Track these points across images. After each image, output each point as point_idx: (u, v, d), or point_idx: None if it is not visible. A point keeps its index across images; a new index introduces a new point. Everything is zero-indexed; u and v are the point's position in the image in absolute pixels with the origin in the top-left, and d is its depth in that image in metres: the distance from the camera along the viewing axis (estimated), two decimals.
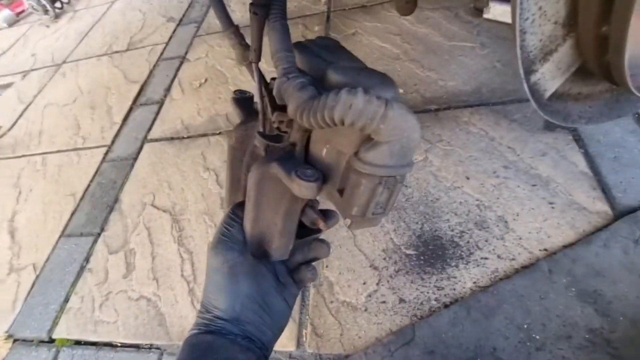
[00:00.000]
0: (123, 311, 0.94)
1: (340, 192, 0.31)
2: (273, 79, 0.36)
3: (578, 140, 0.90)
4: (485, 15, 1.24)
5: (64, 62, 1.99)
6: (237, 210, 0.40)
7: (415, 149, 0.28)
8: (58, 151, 1.46)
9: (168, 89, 1.53)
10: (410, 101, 1.11)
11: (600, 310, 0.65)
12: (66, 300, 1.00)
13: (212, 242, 0.39)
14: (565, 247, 0.75)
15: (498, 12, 1.21)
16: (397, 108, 0.26)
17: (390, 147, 0.27)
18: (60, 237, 1.16)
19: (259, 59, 0.36)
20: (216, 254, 0.38)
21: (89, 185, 1.28)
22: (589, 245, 0.72)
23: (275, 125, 0.35)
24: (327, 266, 0.87)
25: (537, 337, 0.65)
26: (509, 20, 1.13)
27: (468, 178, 0.92)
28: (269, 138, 0.35)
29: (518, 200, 0.85)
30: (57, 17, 2.45)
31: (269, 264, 0.41)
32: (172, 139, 1.32)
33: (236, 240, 0.38)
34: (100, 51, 1.95)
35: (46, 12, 2.41)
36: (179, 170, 1.21)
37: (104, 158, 1.36)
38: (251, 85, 0.39)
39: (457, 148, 0.98)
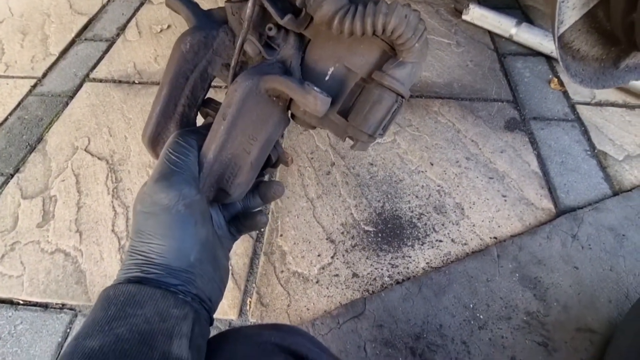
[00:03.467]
0: (32, 265, 0.79)
1: (342, 113, 0.32)
2: None
3: (533, 142, 0.96)
4: (463, 17, 1.28)
5: None
6: (186, 137, 0.32)
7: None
8: None
9: (122, 29, 1.34)
10: None
11: (538, 295, 0.69)
12: None
13: (158, 174, 0.30)
14: (513, 236, 0.78)
15: (476, 16, 1.25)
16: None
17: (412, 68, 0.30)
18: None
19: None
20: (169, 187, 0.28)
21: (6, 119, 1.07)
22: (534, 235, 0.76)
23: (271, 34, 0.31)
24: (281, 235, 0.82)
25: (481, 316, 0.67)
26: (485, 24, 1.16)
27: (432, 164, 0.93)
28: (264, 46, 0.32)
29: (475, 190, 0.87)
30: None
31: (214, 209, 0.35)
32: (120, 82, 1.16)
33: (192, 173, 0.30)
34: None
35: None
36: (124, 116, 1.06)
37: (30, 91, 1.15)
38: None
39: (425, 135, 0.99)
